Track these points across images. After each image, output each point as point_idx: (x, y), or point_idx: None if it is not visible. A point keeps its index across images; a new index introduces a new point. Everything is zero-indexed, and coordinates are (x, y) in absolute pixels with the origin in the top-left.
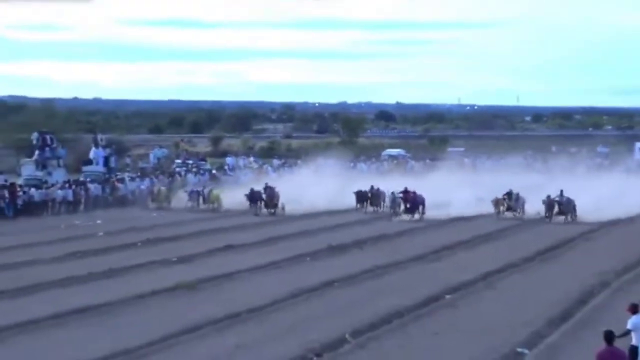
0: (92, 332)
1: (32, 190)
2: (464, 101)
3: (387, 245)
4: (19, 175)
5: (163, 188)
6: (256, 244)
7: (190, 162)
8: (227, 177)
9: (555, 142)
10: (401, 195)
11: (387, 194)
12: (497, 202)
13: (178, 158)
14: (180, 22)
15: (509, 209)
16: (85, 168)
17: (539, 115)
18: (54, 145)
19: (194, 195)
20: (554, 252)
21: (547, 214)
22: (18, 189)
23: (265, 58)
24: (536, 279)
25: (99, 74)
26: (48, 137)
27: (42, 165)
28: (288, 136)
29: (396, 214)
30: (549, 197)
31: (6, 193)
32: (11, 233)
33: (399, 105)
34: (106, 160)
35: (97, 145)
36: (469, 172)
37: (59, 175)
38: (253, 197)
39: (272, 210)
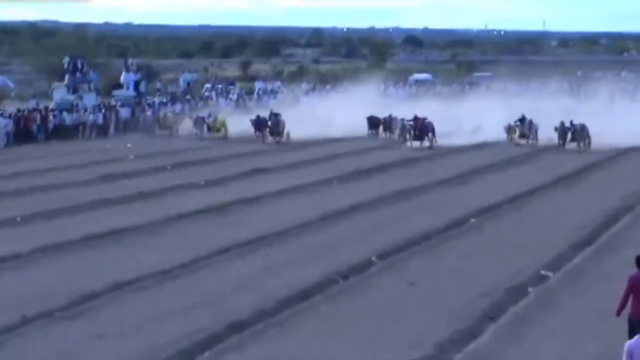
0: (123, 254)
1: (64, 113)
2: (491, 26)
3: (412, 170)
4: (51, 99)
5: (169, 114)
6: (282, 167)
7: (220, 86)
8: (255, 102)
9: (582, 66)
10: (410, 122)
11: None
12: (509, 129)
13: (207, 82)
14: None
15: (522, 135)
16: (115, 92)
17: (565, 40)
18: (85, 69)
19: (199, 121)
20: (578, 176)
21: (560, 141)
22: (50, 112)
23: None
24: (560, 202)
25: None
26: (79, 61)
27: (73, 89)
28: (316, 61)
29: (405, 140)
30: (562, 123)
31: (38, 117)
32: (43, 157)
33: (426, 31)
34: (136, 85)
35: (127, 70)
36: (498, 97)
37: (89, 99)
38: (259, 124)
39: (278, 139)
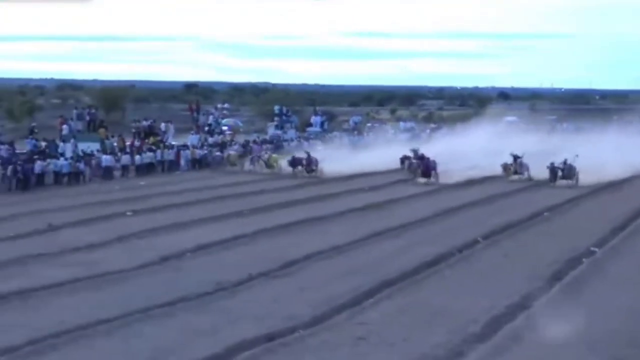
0: (311, 236)
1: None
2: (555, 85)
3: (492, 184)
4: (266, 134)
5: (233, 152)
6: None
7: (377, 125)
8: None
9: (617, 113)
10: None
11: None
12: (505, 167)
13: (368, 122)
14: (376, 33)
15: (515, 172)
16: (308, 129)
17: (605, 95)
18: (289, 114)
19: (254, 159)
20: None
21: (550, 179)
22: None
23: (422, 58)
24: (597, 205)
25: (319, 69)
26: (284, 108)
27: (280, 127)
28: (440, 108)
29: (415, 176)
30: (552, 164)
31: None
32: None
33: (513, 89)
34: (322, 124)
35: (315, 114)
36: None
37: (291, 133)
38: (294, 162)
39: (312, 173)
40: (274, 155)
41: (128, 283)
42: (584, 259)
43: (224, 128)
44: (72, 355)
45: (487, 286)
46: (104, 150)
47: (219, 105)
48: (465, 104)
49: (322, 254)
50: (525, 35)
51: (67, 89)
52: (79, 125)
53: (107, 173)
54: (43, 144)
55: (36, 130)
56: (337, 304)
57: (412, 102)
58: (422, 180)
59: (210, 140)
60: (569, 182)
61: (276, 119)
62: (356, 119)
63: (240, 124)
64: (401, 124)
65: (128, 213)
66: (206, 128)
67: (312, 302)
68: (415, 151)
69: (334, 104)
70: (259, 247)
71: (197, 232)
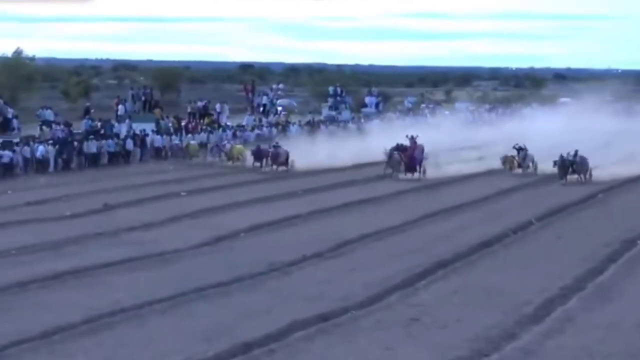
0: (364, 216)
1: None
2: (613, 66)
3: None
4: (320, 114)
5: (192, 143)
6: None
7: (431, 106)
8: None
9: None
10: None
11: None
12: (505, 160)
13: (423, 103)
14: (430, 14)
15: (518, 165)
16: (363, 110)
17: None
18: (343, 94)
19: (214, 150)
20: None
21: (560, 175)
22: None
23: (480, 39)
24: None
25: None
26: (339, 89)
27: (335, 107)
28: (494, 89)
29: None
30: (561, 156)
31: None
32: None
33: (569, 70)
34: (377, 105)
35: (370, 95)
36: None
37: (346, 114)
38: (259, 154)
39: (280, 168)
40: (237, 146)
41: (183, 263)
42: (638, 241)
43: (279, 109)
44: (127, 333)
45: (541, 267)
46: (159, 131)
47: (274, 86)
48: (520, 85)
49: (375, 235)
50: (582, 16)
51: (123, 69)
52: (135, 106)
53: (159, 153)
54: (98, 124)
55: (92, 111)
56: (391, 284)
57: (467, 82)
58: (406, 175)
59: (264, 121)
60: (580, 177)
61: (330, 99)
62: (411, 99)
63: (295, 105)
64: (457, 104)
65: (182, 193)
66: (261, 109)
67: (365, 283)
68: (412, 138)
69: (389, 85)
70: (312, 227)
71: (250, 212)
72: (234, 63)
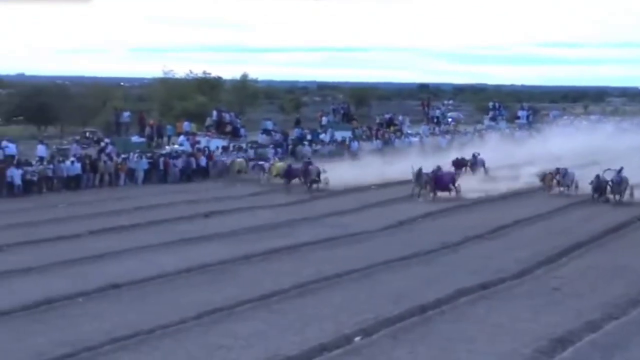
0: (524, 205)
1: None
2: None
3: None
4: (482, 124)
5: (239, 160)
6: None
7: (571, 117)
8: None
9: None
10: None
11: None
12: (544, 178)
13: (564, 116)
14: (568, 43)
15: (558, 184)
16: (516, 121)
17: None
18: (500, 108)
19: (256, 167)
20: None
21: (594, 195)
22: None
23: (611, 64)
24: None
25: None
26: (497, 104)
27: (494, 119)
28: (624, 104)
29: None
30: (597, 176)
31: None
32: None
33: None
34: (527, 117)
35: (522, 109)
36: None
37: (502, 124)
38: (289, 173)
39: (312, 186)
40: (278, 164)
41: (372, 241)
42: None
43: (449, 120)
44: (328, 296)
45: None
46: (355, 138)
47: (445, 102)
48: None
49: (525, 221)
50: None
51: (325, 89)
52: (335, 118)
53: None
54: (307, 132)
55: (301, 121)
56: (537, 260)
57: (600, 99)
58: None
59: (437, 130)
60: (617, 197)
61: (490, 113)
62: (555, 113)
63: (462, 117)
64: (591, 116)
65: (372, 187)
66: (435, 120)
67: (517, 259)
68: (474, 156)
69: (537, 101)
70: (475, 215)
71: (424, 203)
72: (413, 83)
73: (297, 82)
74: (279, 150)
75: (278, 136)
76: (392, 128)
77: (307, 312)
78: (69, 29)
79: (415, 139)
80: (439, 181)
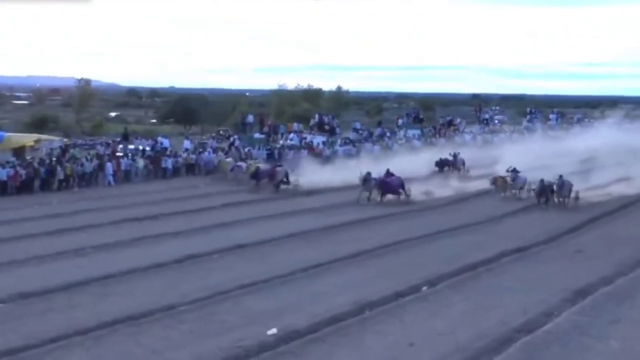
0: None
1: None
2: None
3: None
4: (521, 125)
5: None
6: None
7: (590, 120)
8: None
9: None
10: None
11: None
12: (496, 180)
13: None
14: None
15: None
16: (548, 122)
17: None
18: (535, 113)
19: (236, 169)
20: None
21: (539, 200)
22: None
23: (625, 78)
24: None
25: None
26: (533, 109)
27: (530, 121)
28: (633, 110)
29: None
30: (542, 181)
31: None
32: None
33: None
34: (556, 119)
35: (552, 113)
36: None
37: (537, 125)
38: (257, 175)
39: (279, 187)
40: (253, 163)
41: (431, 215)
42: None
43: (496, 121)
44: (391, 259)
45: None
46: (423, 135)
47: (493, 108)
48: None
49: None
50: None
51: (401, 98)
52: (408, 120)
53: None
54: (387, 130)
55: (382, 122)
56: (562, 230)
57: (615, 106)
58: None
59: (486, 129)
60: (562, 200)
61: (528, 116)
62: (578, 116)
63: (506, 119)
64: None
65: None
66: (485, 121)
67: (548, 229)
68: (454, 155)
69: (563, 107)
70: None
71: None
72: (468, 94)
73: (379, 92)
74: (366, 143)
75: (363, 134)
76: (452, 127)
77: (384, 267)
78: (206, 52)
79: (470, 136)
80: (386, 186)
